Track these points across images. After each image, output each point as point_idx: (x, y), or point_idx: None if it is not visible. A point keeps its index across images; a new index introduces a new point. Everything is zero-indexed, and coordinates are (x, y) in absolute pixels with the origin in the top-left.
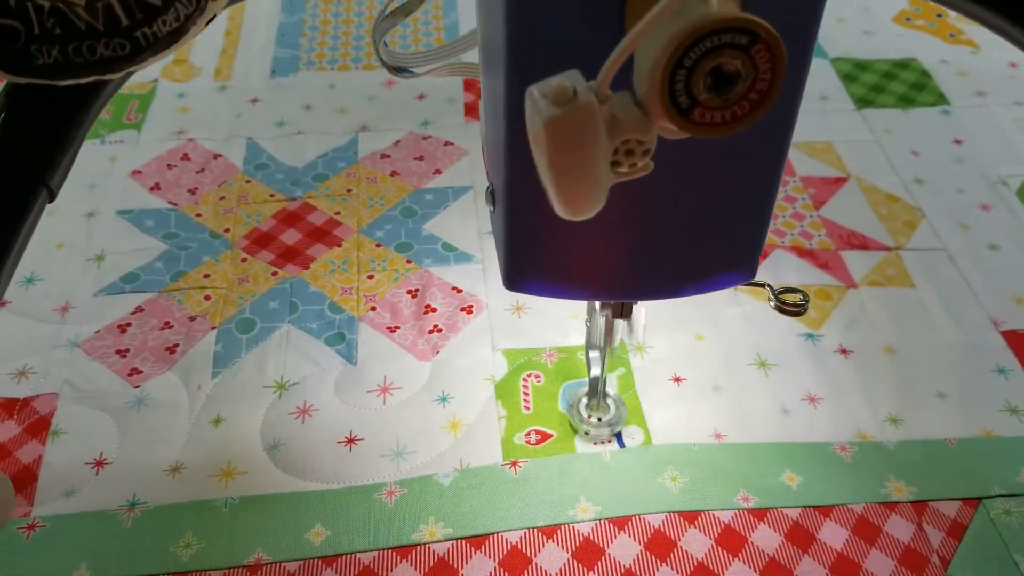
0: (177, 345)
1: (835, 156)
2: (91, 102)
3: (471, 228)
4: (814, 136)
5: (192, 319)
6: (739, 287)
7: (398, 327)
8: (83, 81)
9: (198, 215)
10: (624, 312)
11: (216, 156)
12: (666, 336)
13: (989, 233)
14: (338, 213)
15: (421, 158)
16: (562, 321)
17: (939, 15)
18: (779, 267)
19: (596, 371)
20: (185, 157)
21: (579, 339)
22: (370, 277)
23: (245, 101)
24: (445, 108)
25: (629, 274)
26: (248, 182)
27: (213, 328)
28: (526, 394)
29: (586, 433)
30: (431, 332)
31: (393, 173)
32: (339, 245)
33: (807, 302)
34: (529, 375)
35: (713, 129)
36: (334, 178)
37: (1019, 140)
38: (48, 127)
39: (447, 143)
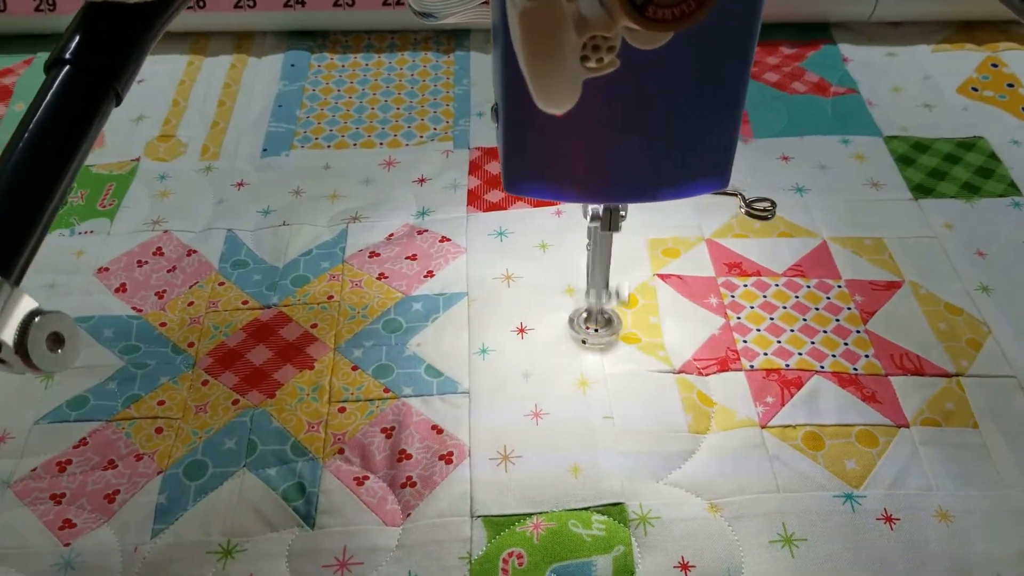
0: (118, 492)
1: (888, 256)
2: (155, 19)
3: (461, 345)
4: (863, 231)
5: (139, 458)
6: None
7: (367, 477)
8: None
9: (162, 324)
10: (612, 224)
11: (191, 252)
12: (675, 507)
13: None
14: (314, 326)
15: (414, 257)
16: (555, 478)
17: (1010, 84)
18: (817, 403)
19: (593, 297)
20: (158, 252)
21: (574, 503)
22: (341, 410)
23: (230, 185)
24: (446, 195)
25: (610, 176)
26: (221, 284)
27: (160, 473)
28: None
29: (583, 342)
30: (403, 486)
31: (380, 276)
32: (311, 367)
33: (775, 207)
34: (511, 554)
35: (666, 25)
36: (315, 281)
37: None
38: (118, 40)
39: (443, 239)
